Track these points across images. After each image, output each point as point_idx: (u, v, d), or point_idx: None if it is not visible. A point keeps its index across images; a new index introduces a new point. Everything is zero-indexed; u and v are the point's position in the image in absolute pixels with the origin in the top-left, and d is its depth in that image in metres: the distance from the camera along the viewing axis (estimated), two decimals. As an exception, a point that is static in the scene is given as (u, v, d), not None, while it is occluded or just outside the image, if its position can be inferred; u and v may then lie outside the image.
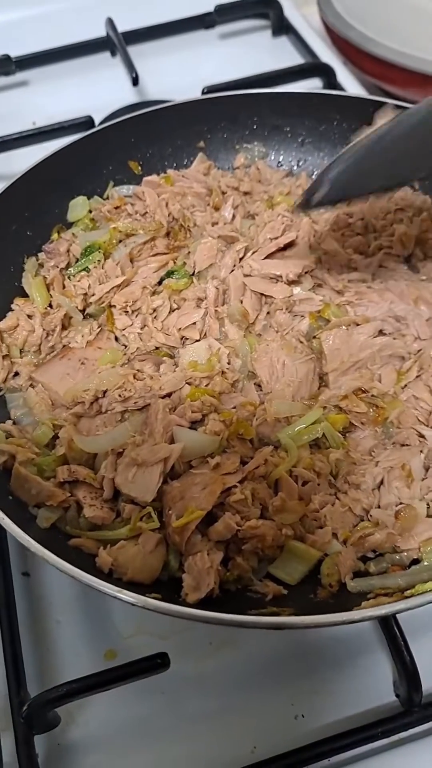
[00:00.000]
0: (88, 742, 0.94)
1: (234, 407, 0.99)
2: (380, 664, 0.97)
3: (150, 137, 1.33)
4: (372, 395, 1.02)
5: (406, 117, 0.96)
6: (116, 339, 1.13)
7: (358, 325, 1.05)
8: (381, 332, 1.06)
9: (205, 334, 1.10)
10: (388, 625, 0.92)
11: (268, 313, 1.11)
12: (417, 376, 1.02)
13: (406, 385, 1.02)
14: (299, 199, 1.08)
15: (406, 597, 0.79)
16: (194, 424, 0.98)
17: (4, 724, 0.93)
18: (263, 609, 0.82)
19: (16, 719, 0.90)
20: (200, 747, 0.93)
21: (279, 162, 1.39)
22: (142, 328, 1.11)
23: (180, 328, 1.10)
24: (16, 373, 1.10)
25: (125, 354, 1.09)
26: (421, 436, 0.98)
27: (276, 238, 1.20)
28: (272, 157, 1.38)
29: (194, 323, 1.10)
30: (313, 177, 1.35)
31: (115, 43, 1.78)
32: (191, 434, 0.94)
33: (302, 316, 1.11)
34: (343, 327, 1.03)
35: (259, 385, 1.04)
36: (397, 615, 0.93)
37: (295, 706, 0.95)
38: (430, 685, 0.92)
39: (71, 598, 1.05)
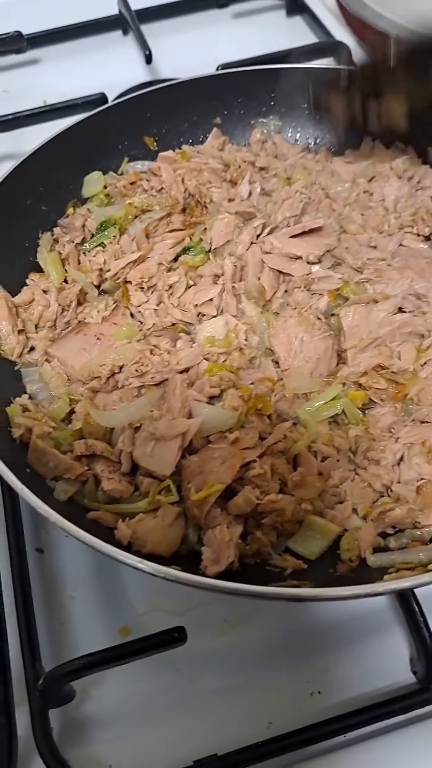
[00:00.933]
0: (102, 717, 0.94)
1: (252, 383, 0.98)
2: (397, 642, 0.96)
3: (166, 113, 1.31)
4: (392, 372, 1.01)
5: None
6: (131, 315, 1.12)
7: (377, 302, 1.04)
8: (400, 309, 1.04)
9: (222, 310, 1.09)
10: (407, 602, 0.91)
11: (285, 291, 1.10)
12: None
13: (425, 363, 1.00)
14: None
15: (429, 571, 0.78)
16: (212, 400, 0.97)
17: (20, 698, 0.92)
18: (283, 582, 0.82)
19: (32, 693, 0.89)
20: (215, 722, 0.93)
21: (296, 139, 1.37)
22: (158, 304, 1.10)
23: (196, 305, 1.09)
24: (32, 348, 1.09)
25: (141, 330, 1.08)
26: (440, 410, 0.97)
27: (294, 216, 1.19)
28: (289, 134, 1.36)
29: (211, 299, 1.09)
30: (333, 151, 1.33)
31: (128, 21, 1.76)
32: (209, 409, 0.93)
33: (321, 294, 1.09)
34: (363, 304, 1.01)
35: (277, 362, 1.03)
36: (416, 591, 0.92)
37: (311, 682, 0.95)
38: (446, 663, 0.92)
39: (86, 575, 1.04)
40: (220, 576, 0.82)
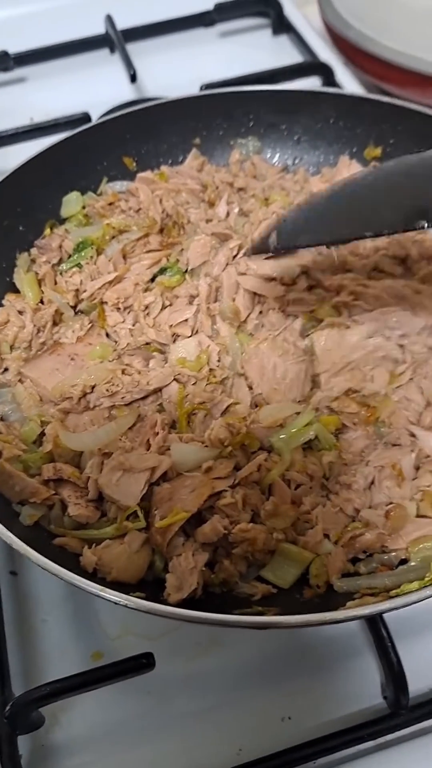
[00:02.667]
0: (72, 743, 0.93)
1: (223, 412, 0.98)
2: (368, 666, 0.96)
3: (145, 133, 1.32)
4: (363, 395, 1.01)
5: (372, 171, 0.94)
6: (107, 335, 1.12)
7: (349, 327, 1.04)
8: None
9: (197, 330, 1.09)
10: (375, 627, 0.91)
11: (260, 312, 1.10)
12: (410, 379, 1.01)
13: (398, 387, 1.00)
14: (250, 244, 1.09)
15: (391, 597, 0.78)
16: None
17: (-12, 723, 0.91)
18: (248, 609, 0.81)
19: (-1, 719, 0.89)
20: (185, 748, 0.92)
21: (275, 160, 1.38)
22: (134, 324, 1.10)
23: (171, 325, 1.09)
24: (6, 369, 1.09)
25: (115, 350, 1.08)
26: (413, 435, 0.97)
27: (270, 236, 1.19)
28: (268, 155, 1.37)
29: (186, 320, 1.09)
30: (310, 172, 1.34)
31: (114, 40, 1.78)
32: (187, 449, 0.93)
33: (295, 315, 1.09)
34: (335, 328, 1.01)
35: (250, 387, 1.03)
36: (384, 616, 0.92)
37: (282, 707, 0.94)
38: (417, 687, 0.91)
39: (58, 598, 1.04)
40: (184, 603, 0.81)
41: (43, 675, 0.97)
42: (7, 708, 0.86)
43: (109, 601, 0.76)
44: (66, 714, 0.95)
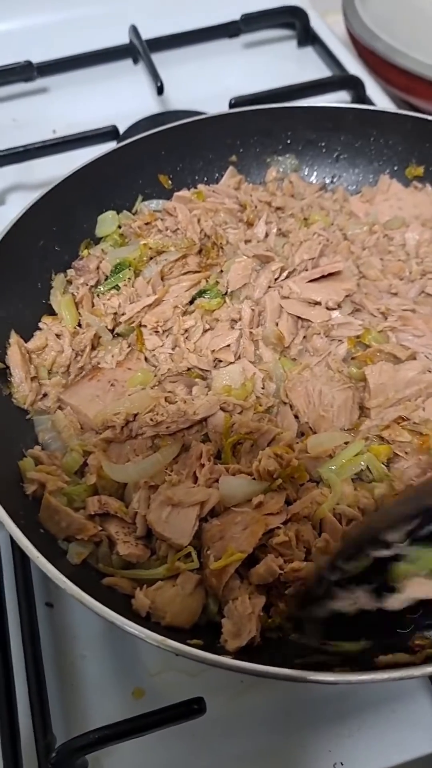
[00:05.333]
0: (114, 788, 0.90)
1: (269, 442, 0.95)
2: (422, 708, 0.92)
3: (181, 151, 1.29)
4: (414, 423, 0.97)
5: None
6: (146, 359, 1.09)
7: (403, 360, 1.01)
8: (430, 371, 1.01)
9: (239, 356, 1.06)
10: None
11: (304, 337, 1.07)
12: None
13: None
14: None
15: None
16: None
17: (30, 766, 0.88)
18: (309, 657, 0.78)
19: (42, 763, 0.85)
20: (234, 795, 0.89)
21: (312, 178, 1.35)
22: (173, 349, 1.07)
23: (213, 350, 1.06)
24: (44, 395, 1.06)
25: (155, 375, 1.05)
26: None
27: (312, 258, 1.16)
28: (305, 172, 1.34)
29: (228, 345, 1.06)
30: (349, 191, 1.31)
31: (139, 50, 1.75)
32: (236, 482, 0.89)
33: (340, 340, 1.07)
34: (390, 362, 0.98)
35: (296, 416, 1.00)
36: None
37: (333, 752, 0.91)
38: None
39: (96, 631, 1.00)
40: (241, 650, 0.78)
41: (83, 714, 0.94)
42: (53, 755, 0.83)
43: (171, 652, 0.72)
44: (108, 758, 0.91)
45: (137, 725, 0.83)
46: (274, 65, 1.85)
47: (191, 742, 0.92)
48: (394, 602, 0.76)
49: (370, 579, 0.76)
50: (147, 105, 1.73)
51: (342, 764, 0.90)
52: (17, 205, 1.16)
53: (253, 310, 1.08)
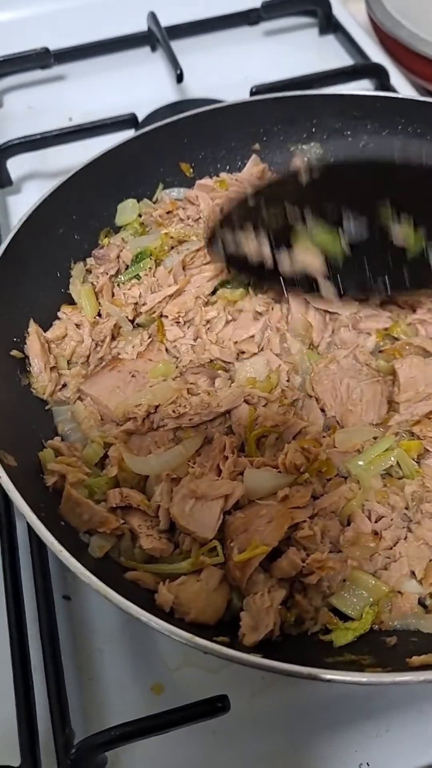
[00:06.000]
0: (133, 786, 0.88)
1: (295, 436, 0.93)
2: (449, 709, 0.90)
3: (203, 138, 1.26)
4: (446, 417, 0.95)
5: None
6: (167, 351, 1.07)
7: (427, 351, 0.98)
8: None
9: (263, 347, 1.04)
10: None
11: (333, 331, 1.04)
12: None
13: None
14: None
15: None
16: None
17: (48, 761, 0.87)
18: (340, 657, 0.76)
19: (62, 759, 0.84)
20: (256, 794, 0.87)
21: (337, 167, 1.32)
22: (195, 340, 1.05)
23: (236, 341, 1.04)
24: (64, 385, 1.04)
25: (177, 367, 1.03)
26: None
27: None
28: (331, 162, 1.31)
29: (252, 336, 1.04)
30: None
31: (158, 37, 1.72)
32: (261, 475, 0.87)
33: (368, 333, 1.04)
34: (421, 356, 0.96)
35: (323, 410, 0.98)
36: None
37: (359, 752, 0.89)
38: None
39: (114, 625, 0.98)
40: (262, 647, 0.76)
41: (102, 710, 0.93)
42: (72, 752, 0.82)
43: (199, 650, 0.71)
44: (128, 754, 0.90)
45: (160, 722, 0.82)
46: (294, 53, 1.81)
47: (212, 740, 0.91)
48: (285, 261, 0.90)
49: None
50: (165, 93, 1.71)
51: (368, 765, 0.88)
52: (34, 194, 1.14)
53: (279, 304, 1.05)
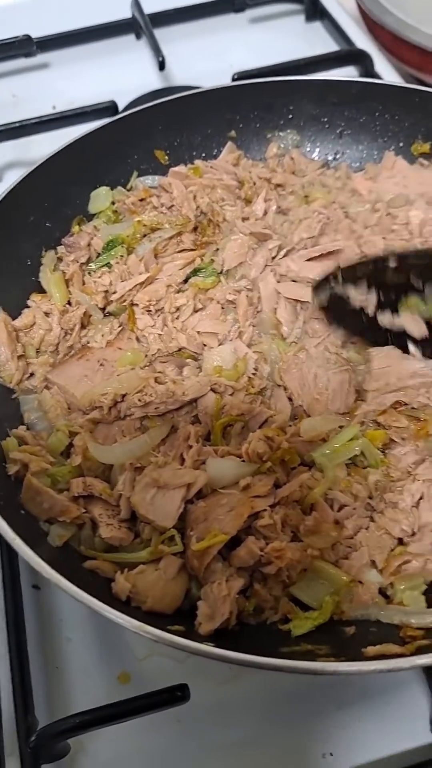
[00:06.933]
0: (98, 773, 0.88)
1: (261, 425, 0.92)
2: (416, 699, 0.90)
3: (178, 125, 1.25)
4: (412, 408, 0.94)
5: None
6: (137, 339, 1.06)
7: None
8: None
9: (231, 338, 1.03)
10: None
11: (304, 321, 1.03)
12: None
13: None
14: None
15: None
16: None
17: (10, 748, 0.87)
18: (296, 646, 0.75)
19: (23, 746, 0.84)
20: (217, 783, 0.87)
21: (315, 154, 1.31)
22: (163, 329, 1.04)
23: (202, 331, 1.03)
24: (31, 374, 1.03)
25: (146, 356, 1.03)
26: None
27: (312, 237, 1.13)
28: (307, 149, 1.30)
29: (220, 325, 1.03)
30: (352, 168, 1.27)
31: (141, 25, 1.70)
32: (224, 464, 0.87)
33: (339, 323, 1.03)
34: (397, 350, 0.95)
35: (290, 398, 0.97)
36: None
37: (323, 742, 0.88)
38: (469, 727, 0.85)
39: (83, 615, 0.98)
40: (220, 635, 0.76)
41: (67, 699, 0.93)
42: (32, 739, 0.82)
43: (150, 639, 0.70)
44: (92, 742, 0.90)
45: (119, 711, 0.81)
46: (280, 41, 1.79)
47: (177, 729, 0.90)
48: (385, 318, 0.95)
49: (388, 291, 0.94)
50: (150, 81, 1.69)
51: (331, 754, 0.88)
52: (15, 183, 1.12)
53: (249, 297, 1.04)
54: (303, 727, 0.89)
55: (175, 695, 0.81)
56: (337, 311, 0.99)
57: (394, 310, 0.95)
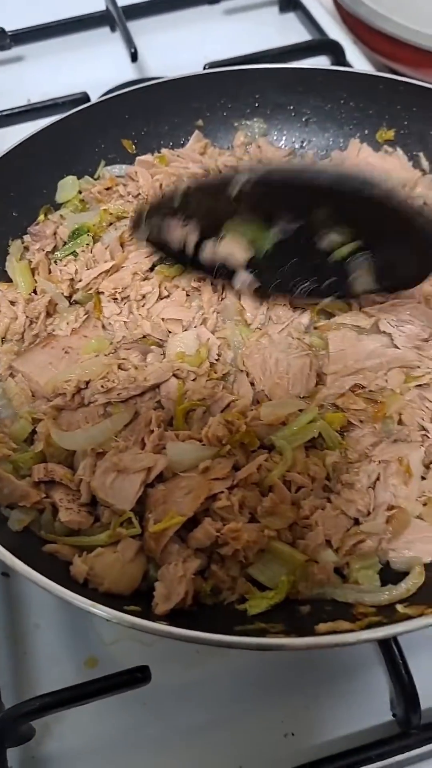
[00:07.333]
0: (64, 756, 0.89)
1: (223, 409, 0.93)
2: (376, 680, 0.91)
3: (145, 114, 1.25)
4: (370, 390, 0.95)
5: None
6: (103, 327, 1.06)
7: (360, 328, 0.98)
8: (393, 342, 0.97)
9: (195, 325, 1.03)
10: (385, 642, 0.86)
11: (268, 308, 1.04)
12: (425, 384, 0.96)
13: (414, 386, 0.94)
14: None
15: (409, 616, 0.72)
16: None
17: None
18: (250, 625, 0.76)
19: (-15, 730, 0.85)
20: (181, 764, 0.88)
21: (281, 143, 1.31)
22: (128, 316, 1.05)
23: (167, 318, 1.04)
24: (-4, 363, 1.04)
25: (112, 343, 1.03)
26: (424, 430, 0.91)
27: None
28: (274, 137, 1.30)
29: (185, 312, 1.04)
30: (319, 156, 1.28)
31: (115, 17, 1.70)
32: (184, 448, 0.87)
33: (303, 309, 1.04)
34: (354, 330, 0.96)
35: (252, 383, 0.97)
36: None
37: (285, 723, 0.89)
38: (429, 705, 0.86)
39: (52, 601, 0.98)
40: (177, 616, 0.76)
41: (34, 683, 0.93)
42: (-7, 722, 0.82)
43: (101, 617, 0.71)
44: (58, 725, 0.91)
45: (80, 692, 0.82)
46: (255, 32, 1.79)
47: (142, 711, 0.91)
48: (209, 249, 0.94)
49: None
50: (124, 73, 1.69)
51: (293, 734, 0.89)
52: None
53: (213, 283, 1.05)
54: (266, 708, 0.90)
55: (135, 676, 0.81)
56: (160, 244, 0.98)
57: (215, 239, 0.93)
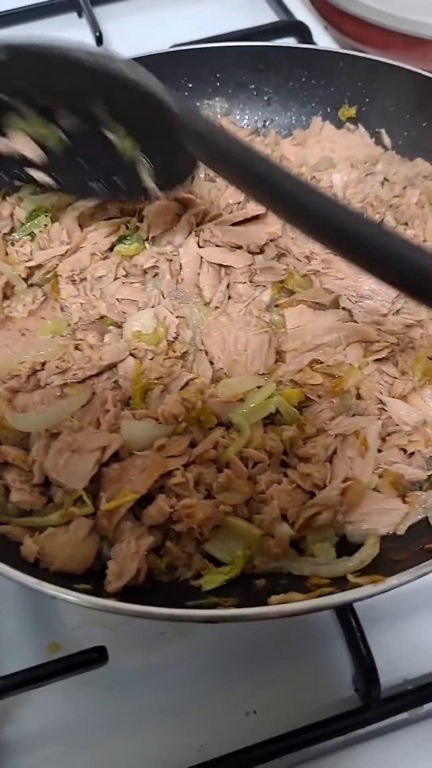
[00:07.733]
0: (26, 740, 0.88)
1: (182, 388, 0.92)
2: (339, 656, 0.91)
3: (105, 95, 1.23)
4: (327, 365, 0.94)
5: None
6: (61, 309, 1.05)
7: (321, 305, 0.97)
8: (352, 317, 0.97)
9: (153, 304, 1.02)
10: (344, 615, 0.85)
11: (228, 285, 1.03)
12: (384, 358, 0.95)
13: (372, 360, 0.94)
14: None
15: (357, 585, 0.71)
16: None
17: None
18: (203, 600, 0.75)
19: None
20: (145, 745, 0.87)
21: (244, 122, 1.30)
22: (84, 297, 1.03)
23: (119, 299, 1.02)
24: None
25: (69, 324, 1.02)
26: (381, 403, 0.90)
27: (239, 203, 1.12)
28: (237, 116, 1.29)
29: (141, 291, 1.03)
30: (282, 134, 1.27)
31: (80, 2, 1.68)
32: (139, 426, 0.86)
33: (264, 286, 1.03)
34: (311, 306, 0.94)
35: (211, 362, 0.96)
36: (354, 604, 0.86)
37: (247, 701, 0.89)
38: (388, 679, 0.86)
39: (13, 587, 0.98)
40: (131, 593, 0.75)
41: (-5, 670, 0.92)
42: None
43: (48, 595, 0.70)
44: (20, 710, 0.90)
45: (37, 674, 0.81)
46: (223, 14, 1.78)
47: (106, 695, 0.91)
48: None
49: None
50: (91, 59, 1.67)
51: (255, 712, 0.88)
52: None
53: (171, 268, 1.03)
54: (228, 689, 0.90)
55: (92, 657, 0.81)
56: None
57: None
